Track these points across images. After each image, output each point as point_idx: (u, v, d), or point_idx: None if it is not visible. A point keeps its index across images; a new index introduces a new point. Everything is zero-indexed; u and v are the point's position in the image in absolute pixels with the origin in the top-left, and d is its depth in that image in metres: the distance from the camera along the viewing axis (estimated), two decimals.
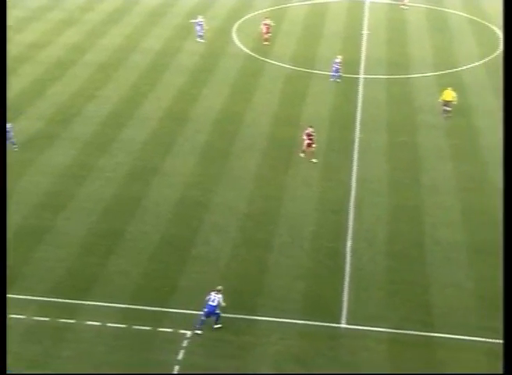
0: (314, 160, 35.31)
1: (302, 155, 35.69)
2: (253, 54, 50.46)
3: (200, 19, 53.06)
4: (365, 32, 55.13)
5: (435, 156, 36.44)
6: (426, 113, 41.39)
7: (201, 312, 24.42)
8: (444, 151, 37.03)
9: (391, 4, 62.48)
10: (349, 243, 29.29)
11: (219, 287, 24.80)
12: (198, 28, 52.72)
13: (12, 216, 30.69)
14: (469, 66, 48.44)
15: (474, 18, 58.56)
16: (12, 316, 24.75)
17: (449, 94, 40.87)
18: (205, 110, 41.50)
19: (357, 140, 37.98)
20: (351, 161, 35.80)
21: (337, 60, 45.46)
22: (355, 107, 42.08)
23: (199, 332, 24.30)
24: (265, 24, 51.62)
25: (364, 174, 34.56)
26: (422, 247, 29.11)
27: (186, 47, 51.71)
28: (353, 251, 28.77)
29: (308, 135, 35.52)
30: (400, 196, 32.91)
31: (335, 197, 32.75)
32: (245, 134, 38.70)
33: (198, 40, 52.54)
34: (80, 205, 31.72)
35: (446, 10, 60.91)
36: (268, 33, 51.45)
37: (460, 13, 59.97)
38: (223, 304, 24.53)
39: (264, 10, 60.26)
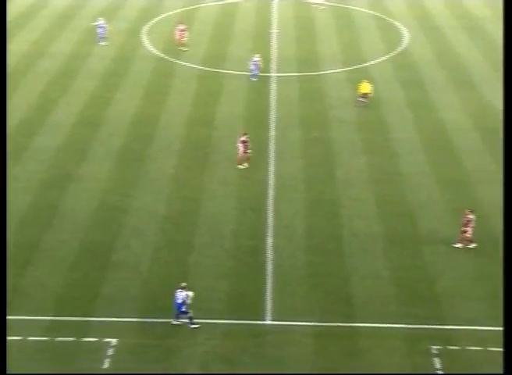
0: (246, 165, 34.91)
1: (241, 166, 34.85)
2: (164, 56, 50.07)
3: (101, 21, 52.26)
4: (275, 30, 55.61)
5: (347, 150, 37.12)
6: (338, 109, 42.12)
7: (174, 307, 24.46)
8: (356, 145, 37.78)
9: (299, 2, 63.23)
10: (269, 240, 29.49)
11: (183, 284, 24.48)
12: (100, 31, 51.91)
13: None
14: (376, 61, 49.61)
15: (379, 15, 59.99)
16: None
17: (366, 87, 41.91)
18: (119, 114, 40.92)
19: (272, 137, 38.24)
20: (267, 159, 36.04)
21: (255, 59, 45.61)
22: (268, 105, 42.40)
23: (175, 322, 24.46)
24: (180, 30, 50.71)
25: (280, 171, 34.85)
26: (340, 239, 29.61)
27: (96, 51, 50.81)
28: (274, 247, 28.98)
29: (243, 142, 35.00)
30: (317, 191, 33.37)
31: (253, 195, 32.91)
32: (160, 136, 38.38)
33: (100, 43, 51.63)
34: None
35: (352, 8, 62.14)
36: (182, 38, 50.58)
37: (365, 10, 61.31)
38: (189, 301, 24.25)
39: (175, 11, 59.97)
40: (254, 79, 45.34)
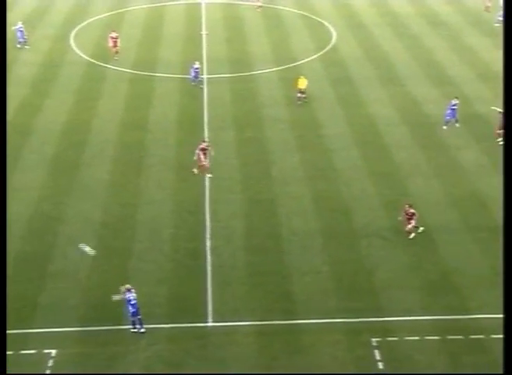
0: (209, 175, 34.23)
1: (195, 171, 34.31)
2: (93, 60, 49.38)
3: (20, 25, 51.71)
4: (204, 32, 55.54)
5: (282, 149, 37.39)
6: (270, 108, 42.38)
7: (129, 314, 24.15)
8: (290, 143, 38.09)
9: (226, 4, 63.31)
10: (208, 242, 29.45)
11: (127, 286, 24.19)
12: (19, 34, 51.38)
13: None
14: (306, 59, 50.10)
15: (306, 14, 60.60)
16: None
17: (303, 82, 42.42)
18: (49, 121, 40.16)
19: (205, 139, 38.19)
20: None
21: (195, 66, 44.92)
22: (201, 107, 42.33)
23: (135, 330, 24.26)
24: (112, 37, 49.42)
25: (216, 173, 34.81)
26: (279, 238, 29.79)
27: (22, 57, 49.73)
28: (213, 249, 28.96)
29: (203, 150, 34.33)
30: (253, 190, 33.49)
31: (190, 197, 32.80)
32: (93, 142, 37.84)
33: (19, 46, 51.19)
34: None
35: (280, 7, 62.59)
36: (116, 46, 49.37)
37: (293, 10, 61.85)
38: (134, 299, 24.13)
39: (102, 16, 59.17)
40: (194, 84, 44.83)
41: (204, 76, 46.84)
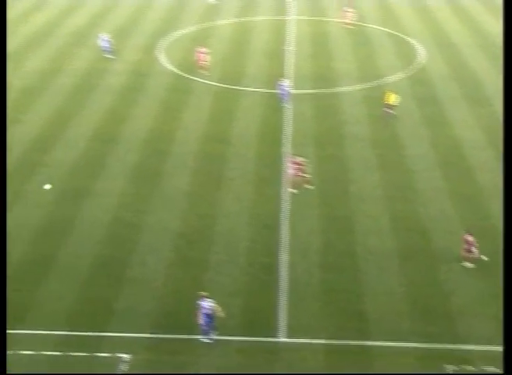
0: (310, 187, 34.38)
1: (294, 191, 34.07)
2: (181, 72, 50.45)
3: (105, 35, 53.42)
4: (290, 48, 55.90)
5: (362, 167, 37.12)
6: (352, 125, 42.18)
7: (203, 324, 24.56)
8: (370, 161, 37.77)
9: (313, 20, 63.56)
10: (283, 256, 29.49)
11: (204, 294, 24.71)
12: (104, 44, 53.12)
13: None
14: (392, 77, 49.66)
15: (393, 32, 60.10)
16: None
17: (392, 97, 42.08)
18: (135, 130, 41.24)
19: (286, 154, 38.35)
20: (281, 175, 36.12)
21: (284, 84, 44.78)
22: (283, 122, 42.55)
23: (207, 340, 24.55)
24: (200, 52, 49.93)
25: (294, 187, 34.85)
26: (354, 256, 29.54)
27: (112, 67, 51.33)
28: (288, 264, 28.97)
29: (297, 164, 34.41)
30: (331, 207, 33.37)
31: (267, 211, 32.96)
32: (176, 153, 38.60)
33: (106, 56, 52.82)
34: (9, 231, 30.92)
35: (366, 25, 62.35)
36: (203, 61, 49.74)
37: (380, 27, 61.48)
38: (214, 308, 24.50)
39: (190, 29, 60.43)
40: (284, 104, 44.60)
41: (288, 91, 47.05)
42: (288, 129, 41.57)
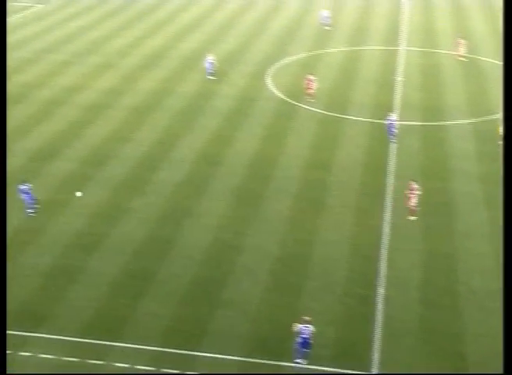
0: (413, 218, 34.21)
1: (413, 218, 34.18)
2: (287, 98, 50.90)
3: (210, 57, 55.21)
4: (399, 78, 55.36)
5: (468, 202, 36.10)
6: (460, 159, 41.16)
7: (297, 345, 24.72)
8: (477, 197, 36.69)
9: (425, 51, 62.79)
10: (381, 290, 28.95)
11: (307, 318, 24.88)
12: (208, 65, 54.90)
13: (44, 255, 31.02)
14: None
15: None
16: (41, 356, 24.82)
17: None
18: (239, 153, 41.83)
19: (389, 185, 37.84)
20: (383, 206, 35.63)
21: (392, 118, 43.67)
22: (388, 152, 42.04)
23: (299, 361, 24.64)
24: (308, 80, 50.18)
25: (396, 219, 34.31)
26: (456, 295, 28.64)
27: (220, 90, 52.41)
28: (385, 298, 28.41)
29: (412, 190, 34.32)
30: (433, 242, 32.55)
31: (367, 242, 32.53)
32: (278, 177, 38.84)
33: (209, 77, 54.58)
34: (111, 246, 31.95)
35: (479, 57, 60.96)
36: (310, 88, 50.00)
37: (493, 61, 59.96)
38: (311, 333, 24.64)
39: (299, 56, 60.95)
40: (392, 139, 43.34)
41: (396, 125, 46.54)
42: (393, 160, 41.03)
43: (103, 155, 41.33)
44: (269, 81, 54.67)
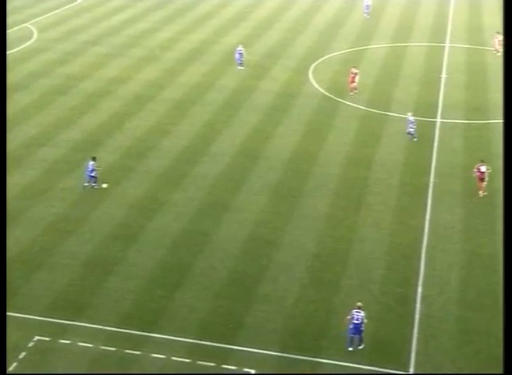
0: (482, 193, 36.34)
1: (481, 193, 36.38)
2: (329, 94, 50.78)
3: (240, 47, 56.15)
4: (444, 76, 54.81)
5: None
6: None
7: (348, 332, 25.25)
8: None
9: (471, 48, 62.02)
10: (419, 289, 28.78)
11: (359, 304, 25.56)
12: (237, 56, 55.78)
13: (84, 245, 31.53)
14: None
15: None
16: (80, 344, 25.29)
17: None
18: (278, 148, 41.89)
19: (431, 184, 37.54)
20: (424, 205, 35.37)
21: (411, 118, 43.12)
22: (430, 151, 41.69)
23: (350, 349, 25.16)
24: (352, 73, 50.54)
25: (437, 219, 34.05)
26: (496, 296, 28.31)
27: (261, 86, 52.50)
28: (424, 297, 28.24)
29: (481, 172, 36.40)
30: (475, 243, 32.22)
31: (406, 241, 32.34)
32: (317, 174, 38.81)
33: (238, 67, 55.60)
34: (150, 238, 32.33)
35: None
36: (354, 82, 50.41)
37: None
38: (365, 320, 25.25)
39: (342, 52, 60.71)
40: (413, 138, 43.65)
41: (438, 120, 46.17)
42: (435, 158, 40.66)
43: (144, 147, 41.78)
44: (312, 77, 54.58)
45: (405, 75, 55.12)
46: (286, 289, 28.72)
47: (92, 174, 36.44)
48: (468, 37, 65.03)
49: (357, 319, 25.07)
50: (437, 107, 48.30)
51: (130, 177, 38.12)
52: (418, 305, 27.73)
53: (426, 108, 47.63)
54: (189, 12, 73.71)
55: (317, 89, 51.92)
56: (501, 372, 23.92)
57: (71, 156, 40.38)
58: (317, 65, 57.45)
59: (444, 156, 41.03)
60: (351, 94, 50.28)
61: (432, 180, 37.94)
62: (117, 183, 37.35)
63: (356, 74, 50.56)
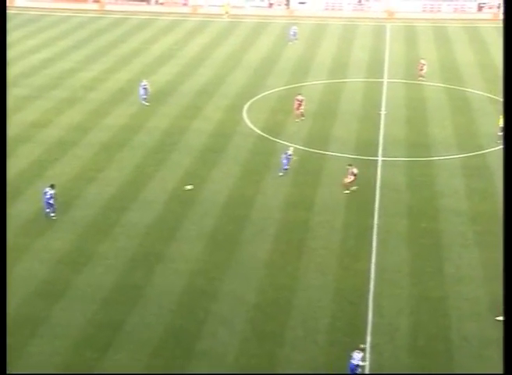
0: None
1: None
2: (264, 134, 51.27)
3: (144, 82, 57.53)
4: (383, 111, 56.10)
5: (459, 243, 36.37)
6: (449, 197, 41.55)
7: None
8: (468, 237, 36.99)
9: (409, 83, 63.81)
10: (368, 338, 28.93)
11: (362, 346, 26.45)
12: (142, 91, 57.12)
13: None
14: (493, 148, 48.78)
15: (496, 98, 59.42)
16: None
17: None
18: (213, 193, 41.90)
19: (375, 226, 38.05)
20: (369, 248, 35.78)
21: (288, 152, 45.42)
22: (373, 190, 42.36)
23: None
24: (297, 100, 53.56)
25: (383, 263, 34.45)
26: (448, 342, 28.71)
27: (194, 126, 52.66)
28: (373, 346, 28.38)
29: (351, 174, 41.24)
30: (423, 286, 32.67)
31: (352, 287, 32.57)
32: (255, 219, 38.90)
33: (142, 102, 56.76)
34: (77, 294, 31.66)
35: (467, 89, 62.04)
36: (300, 108, 53.42)
37: (480, 92, 61.00)
38: (362, 363, 25.92)
39: (278, 89, 61.60)
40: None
41: (379, 158, 47.06)
42: (378, 198, 41.33)
43: (68, 195, 41.09)
44: (246, 116, 55.11)
45: (344, 112, 56.19)
46: (227, 343, 28.48)
47: (50, 202, 37.87)
48: (406, 71, 66.93)
49: (353, 359, 26.02)
50: (378, 144, 49.26)
51: (54, 229, 37.42)
52: (368, 355, 27.82)
53: (367, 145, 48.54)
54: (114, 50, 73.78)
55: (252, 129, 52.40)
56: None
57: None
58: (251, 103, 58.08)
59: (387, 196, 41.75)
60: (297, 121, 52.46)
61: (376, 221, 38.48)
62: (39, 235, 36.60)
63: (301, 101, 53.28)
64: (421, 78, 62.95)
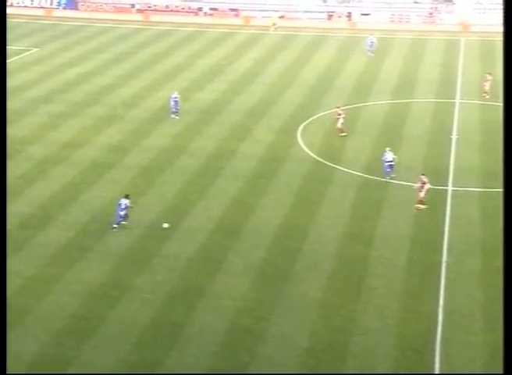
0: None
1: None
2: (320, 159, 51.22)
3: (175, 94, 58.81)
4: (454, 136, 55.59)
5: None
6: None
7: None
8: None
9: (485, 104, 63.19)
10: None
11: None
12: (173, 104, 58.45)
13: (28, 343, 30.88)
14: None
15: None
16: None
17: None
18: (263, 223, 41.90)
19: (444, 263, 37.51)
20: (437, 289, 35.26)
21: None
22: (442, 224, 41.86)
23: None
24: (337, 114, 55.18)
25: (453, 306, 33.90)
26: None
27: (243, 149, 52.90)
28: None
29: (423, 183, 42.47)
30: (499, 335, 31.95)
31: (416, 332, 32.09)
32: (308, 252, 38.74)
33: (172, 116, 58.25)
34: (110, 332, 31.82)
35: None
36: (339, 123, 54.93)
37: None
38: None
39: (336, 110, 61.51)
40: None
41: (450, 187, 46.56)
42: (447, 232, 40.80)
43: (104, 222, 41.54)
44: (300, 138, 55.16)
45: (410, 135, 55.86)
46: None
47: (122, 213, 40.15)
48: (481, 91, 66.26)
49: None
50: (448, 172, 48.78)
51: (87, 258, 37.78)
52: None
53: (435, 173, 48.01)
54: (157, 65, 74.88)
55: (307, 153, 52.39)
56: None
57: (16, 234, 39.91)
58: (306, 125, 58.16)
59: (458, 230, 41.19)
60: (342, 135, 54.22)
61: (444, 258, 37.95)
62: (70, 266, 36.97)
63: (340, 115, 55.20)
64: (484, 94, 63.61)
